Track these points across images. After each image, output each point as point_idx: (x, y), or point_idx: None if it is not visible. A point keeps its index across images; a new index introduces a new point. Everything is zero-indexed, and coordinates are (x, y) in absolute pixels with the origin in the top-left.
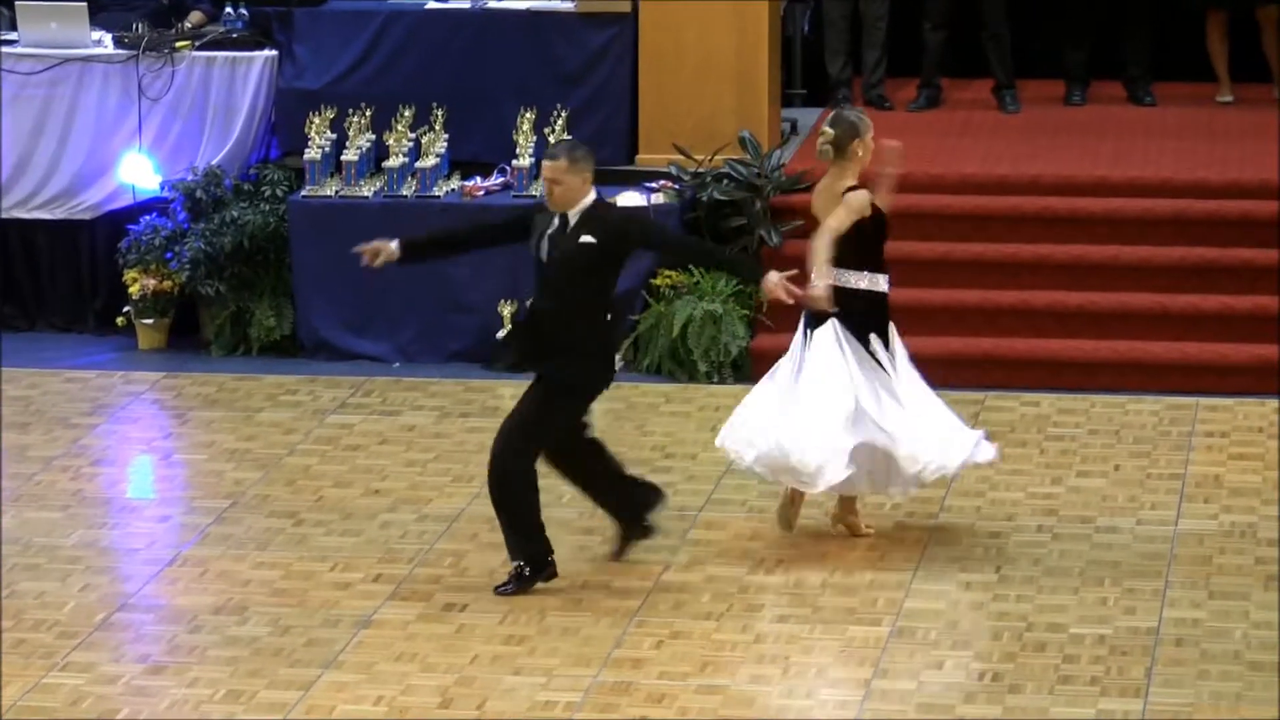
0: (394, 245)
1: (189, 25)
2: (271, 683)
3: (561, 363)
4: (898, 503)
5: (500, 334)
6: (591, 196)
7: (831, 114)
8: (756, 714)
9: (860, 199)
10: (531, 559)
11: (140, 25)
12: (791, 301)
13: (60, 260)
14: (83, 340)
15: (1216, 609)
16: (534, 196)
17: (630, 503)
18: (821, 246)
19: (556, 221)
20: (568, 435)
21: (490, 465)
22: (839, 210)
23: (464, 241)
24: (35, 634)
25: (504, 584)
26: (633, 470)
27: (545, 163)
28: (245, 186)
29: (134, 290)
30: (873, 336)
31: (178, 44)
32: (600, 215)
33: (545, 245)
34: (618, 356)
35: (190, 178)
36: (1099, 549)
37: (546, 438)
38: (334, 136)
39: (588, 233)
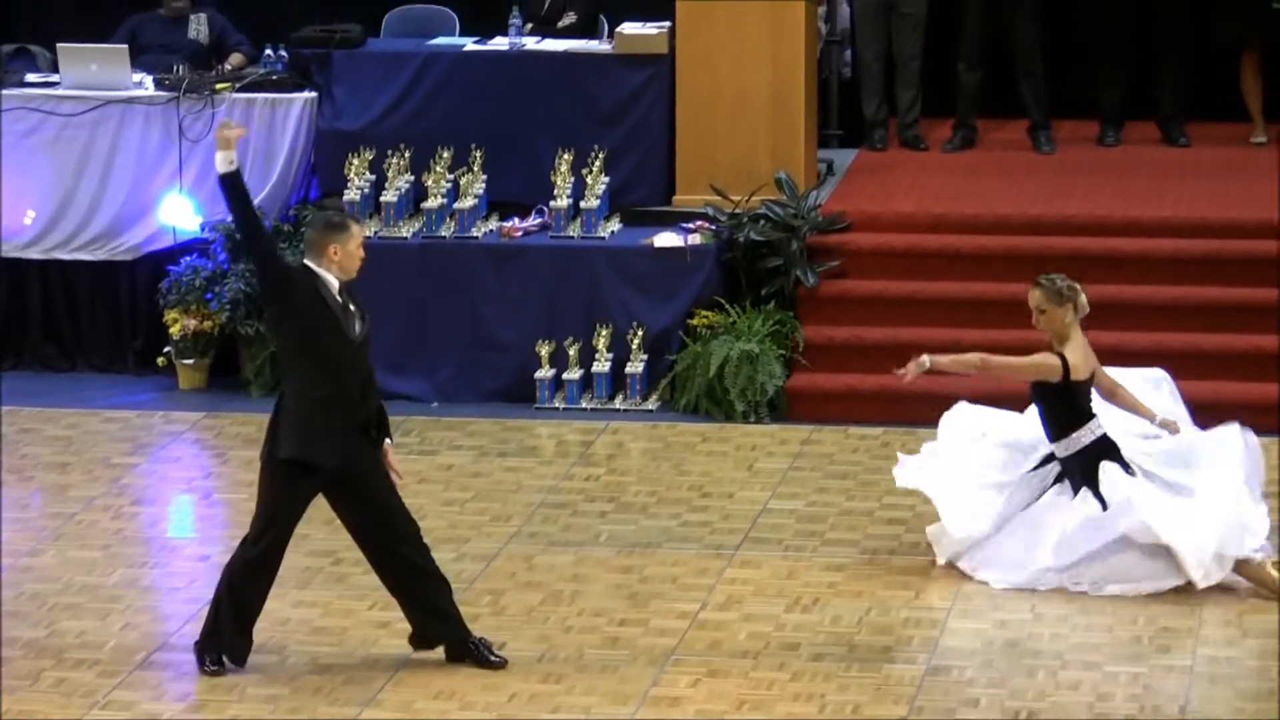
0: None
1: (229, 67)
2: None
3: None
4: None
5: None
6: None
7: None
8: None
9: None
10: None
11: (181, 67)
12: None
13: (101, 301)
14: (123, 380)
15: (1251, 648)
16: (571, 237)
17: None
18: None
19: (341, 297)
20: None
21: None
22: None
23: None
24: (76, 673)
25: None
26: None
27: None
28: (285, 227)
29: (174, 330)
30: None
31: (218, 86)
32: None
33: (357, 325)
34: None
35: (230, 219)
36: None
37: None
38: (373, 177)
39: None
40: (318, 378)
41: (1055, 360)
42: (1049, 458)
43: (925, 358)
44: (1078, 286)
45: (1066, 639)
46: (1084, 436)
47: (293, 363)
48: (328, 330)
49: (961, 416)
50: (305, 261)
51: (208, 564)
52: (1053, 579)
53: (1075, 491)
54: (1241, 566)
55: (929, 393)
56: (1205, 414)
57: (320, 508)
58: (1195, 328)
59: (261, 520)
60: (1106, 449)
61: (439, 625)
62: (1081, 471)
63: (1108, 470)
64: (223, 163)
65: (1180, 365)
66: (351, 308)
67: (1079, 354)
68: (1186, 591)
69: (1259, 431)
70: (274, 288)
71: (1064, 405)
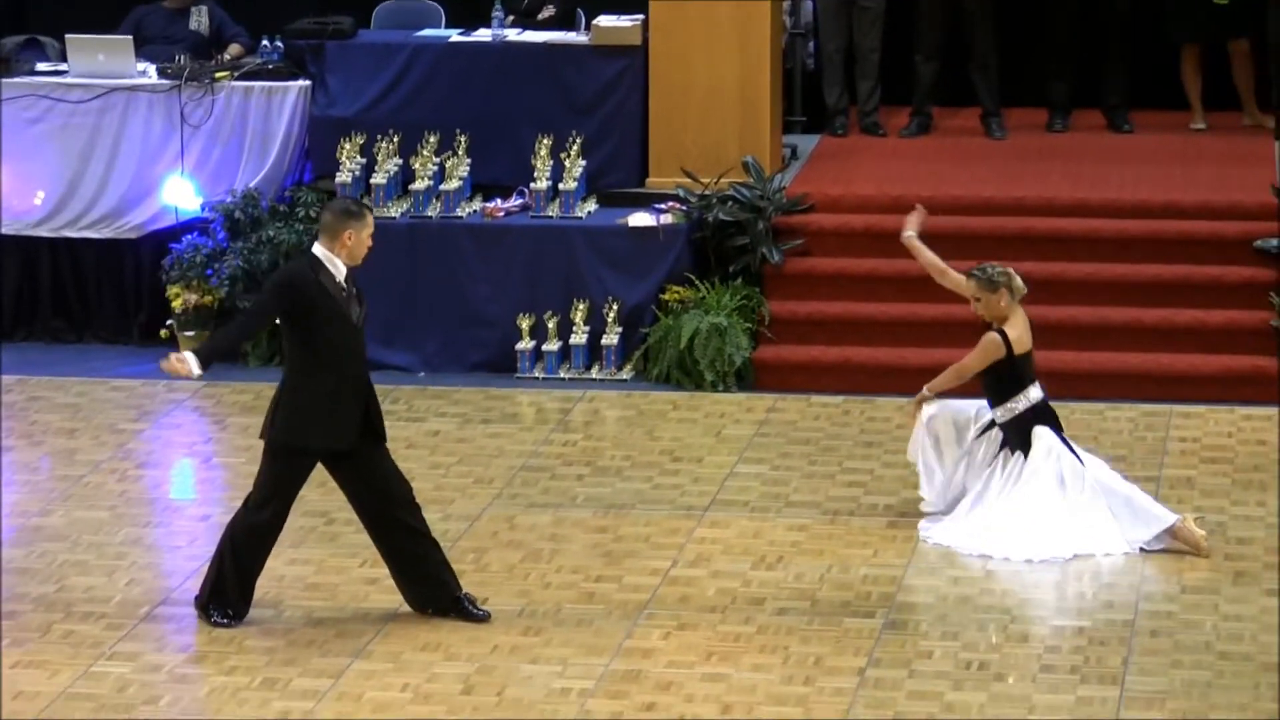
0: (190, 359)
1: (228, 57)
2: (304, 671)
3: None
4: (890, 503)
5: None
6: None
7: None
8: (759, 700)
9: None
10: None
11: (182, 57)
12: None
13: (107, 277)
14: (128, 351)
15: (1189, 602)
16: (551, 217)
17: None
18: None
19: (345, 284)
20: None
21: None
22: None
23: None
24: (84, 625)
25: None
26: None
27: None
28: (280, 208)
29: (176, 305)
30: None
31: (217, 75)
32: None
33: (356, 309)
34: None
35: (229, 199)
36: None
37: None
38: (363, 161)
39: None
40: (322, 365)
41: (998, 339)
42: (990, 424)
43: (925, 390)
44: (1010, 272)
45: (1016, 595)
46: (1019, 403)
47: (297, 350)
48: (335, 320)
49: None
50: (313, 249)
51: (208, 524)
52: (995, 546)
53: (1013, 453)
54: (1177, 532)
55: (887, 365)
56: (1148, 385)
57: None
58: (1138, 303)
59: (264, 491)
60: (1042, 414)
61: (427, 591)
62: (1018, 435)
63: (1041, 434)
64: (195, 368)
65: (1123, 339)
66: (354, 292)
67: (1018, 330)
68: (1129, 553)
69: (1198, 401)
70: (282, 308)
71: (1007, 376)
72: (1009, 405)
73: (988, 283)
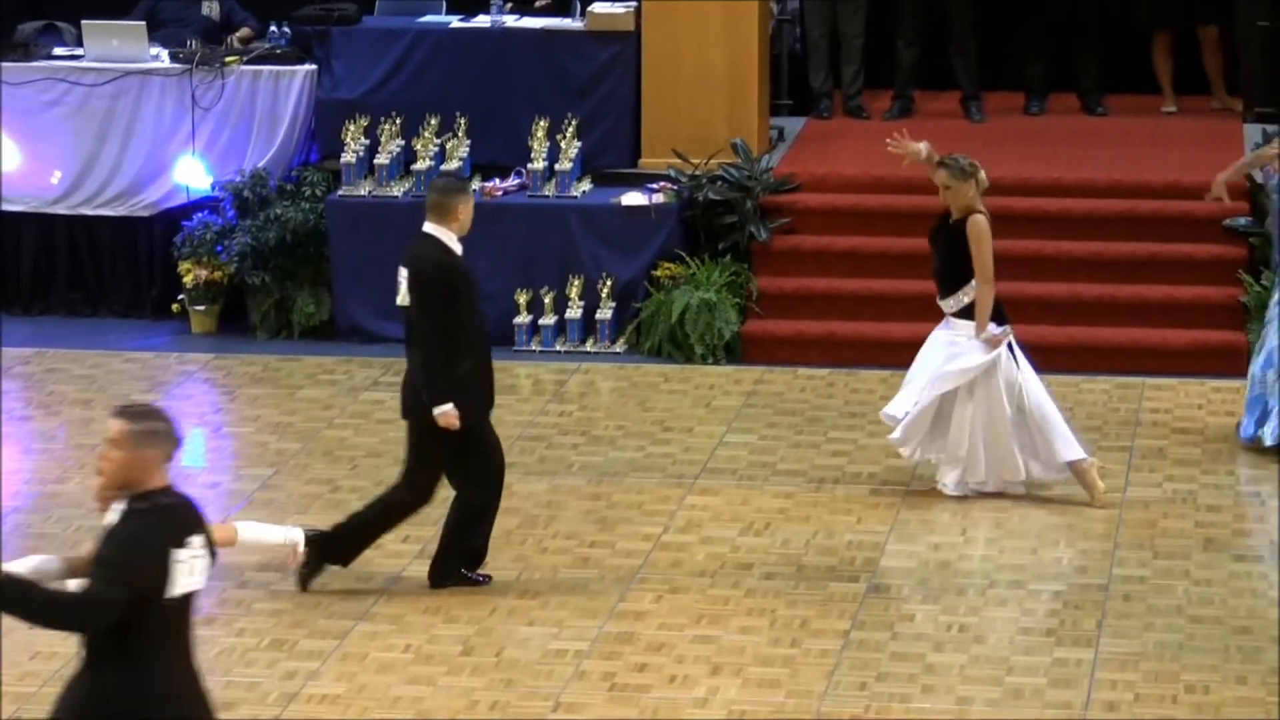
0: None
1: (237, 39)
2: (311, 632)
3: None
4: (874, 472)
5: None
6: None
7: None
8: (746, 661)
9: None
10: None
11: (193, 42)
12: None
13: (121, 253)
14: (141, 325)
15: (1161, 568)
16: (547, 196)
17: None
18: None
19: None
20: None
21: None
22: None
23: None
24: None
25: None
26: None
27: None
28: (288, 187)
29: (188, 280)
30: None
31: (227, 59)
32: None
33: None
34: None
35: (238, 179)
36: (1055, 514)
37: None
38: (367, 142)
39: None
40: (472, 340)
41: (984, 221)
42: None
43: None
44: (977, 164)
45: (994, 560)
46: (968, 294)
47: (445, 330)
48: (475, 294)
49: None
50: (429, 232)
51: (217, 490)
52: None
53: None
54: (1075, 469)
55: (870, 339)
56: (1121, 358)
57: (318, 439)
58: (1112, 279)
59: (458, 470)
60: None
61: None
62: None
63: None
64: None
65: (1097, 314)
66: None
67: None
68: (1104, 520)
69: (1170, 374)
70: (442, 295)
71: (964, 264)
72: (960, 295)
73: (959, 171)
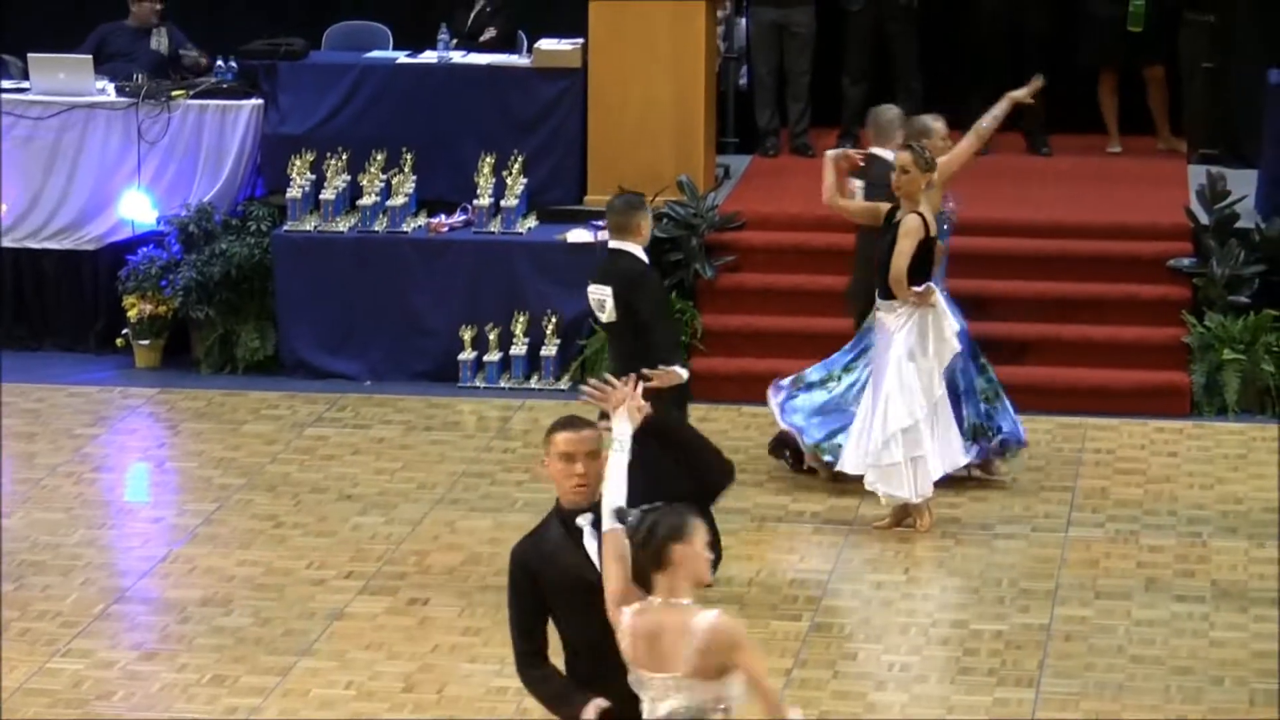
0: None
1: (186, 64)
2: (253, 669)
3: None
4: (817, 510)
5: None
6: None
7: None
8: None
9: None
10: None
11: (140, 75)
12: None
13: (66, 286)
14: (85, 359)
15: (1102, 608)
16: (493, 232)
17: None
18: None
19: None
20: None
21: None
22: None
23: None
24: (40, 623)
25: None
26: None
27: None
28: (233, 221)
29: (132, 314)
30: None
31: (173, 93)
32: None
33: None
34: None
35: (184, 213)
36: (997, 554)
37: None
38: (313, 177)
39: None
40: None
41: (918, 220)
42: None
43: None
44: (937, 163)
45: (937, 599)
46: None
47: (645, 342)
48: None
49: None
50: (622, 248)
51: (160, 525)
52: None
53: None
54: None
55: None
56: (1065, 398)
57: (262, 474)
58: (1056, 319)
59: None
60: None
61: None
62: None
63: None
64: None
65: (1040, 353)
66: None
67: (929, 215)
68: (1045, 560)
69: (1113, 414)
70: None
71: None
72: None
73: (922, 160)
